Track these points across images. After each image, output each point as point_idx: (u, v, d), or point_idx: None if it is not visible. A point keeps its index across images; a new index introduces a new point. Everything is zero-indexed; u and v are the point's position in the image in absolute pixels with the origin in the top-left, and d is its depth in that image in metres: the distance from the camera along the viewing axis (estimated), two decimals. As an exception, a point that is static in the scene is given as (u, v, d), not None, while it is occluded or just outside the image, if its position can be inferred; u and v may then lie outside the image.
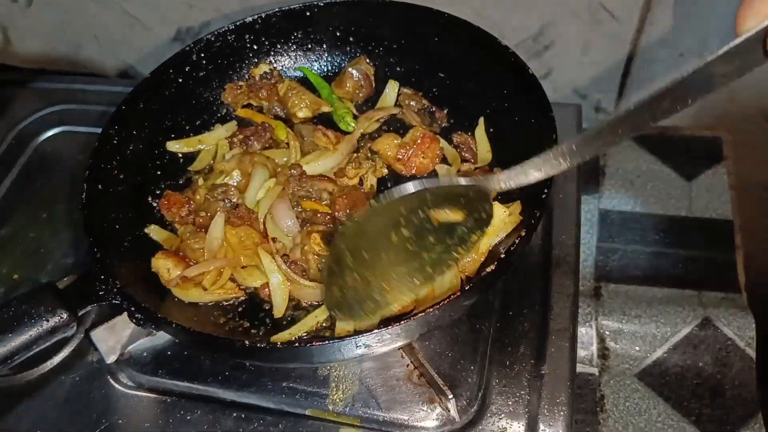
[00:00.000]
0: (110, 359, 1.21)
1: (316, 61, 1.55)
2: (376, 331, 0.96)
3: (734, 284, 1.44)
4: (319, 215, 1.26)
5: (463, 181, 1.00)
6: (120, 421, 1.17)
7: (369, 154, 1.38)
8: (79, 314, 1.08)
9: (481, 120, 1.37)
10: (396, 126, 1.43)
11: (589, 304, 1.42)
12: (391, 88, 1.48)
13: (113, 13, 1.83)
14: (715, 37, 1.50)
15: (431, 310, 0.97)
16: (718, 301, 1.41)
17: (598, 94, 1.72)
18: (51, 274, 1.41)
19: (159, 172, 1.39)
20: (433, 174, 1.35)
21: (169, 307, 1.18)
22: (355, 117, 1.46)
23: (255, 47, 1.51)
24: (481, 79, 1.37)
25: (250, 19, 1.46)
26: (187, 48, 1.43)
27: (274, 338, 1.12)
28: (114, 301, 1.09)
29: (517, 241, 1.04)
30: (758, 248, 1.62)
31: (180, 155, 1.43)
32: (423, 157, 1.34)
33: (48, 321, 1.03)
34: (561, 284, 1.28)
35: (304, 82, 1.52)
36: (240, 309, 1.20)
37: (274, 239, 1.23)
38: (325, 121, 1.46)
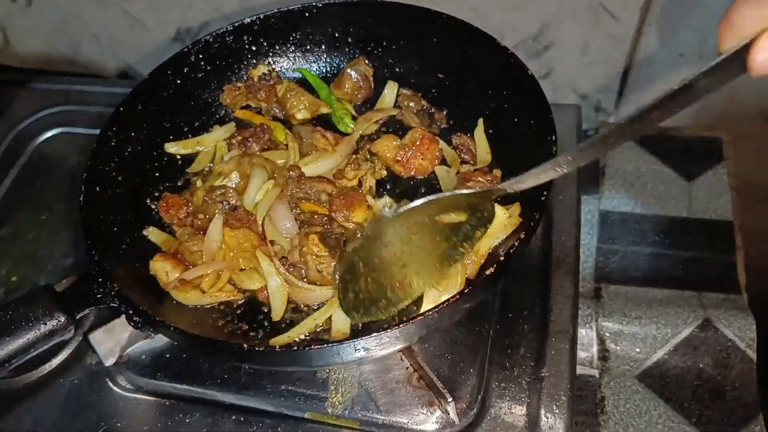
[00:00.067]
0: (109, 362, 1.21)
1: (314, 62, 1.54)
2: (375, 334, 0.96)
3: (735, 285, 1.44)
4: (316, 216, 1.25)
5: (465, 191, 1.10)
6: (119, 424, 1.17)
7: (368, 156, 1.37)
8: (77, 317, 1.07)
9: (481, 121, 1.37)
10: (395, 127, 1.43)
11: (590, 305, 1.41)
12: (390, 89, 1.48)
13: (113, 13, 1.83)
14: (714, 37, 1.50)
15: (430, 313, 0.96)
16: (718, 303, 1.40)
17: (598, 94, 1.72)
18: (50, 276, 1.41)
19: (157, 174, 1.39)
20: (432, 175, 1.35)
21: (168, 310, 1.17)
22: (354, 118, 1.46)
23: (253, 48, 1.50)
24: (481, 80, 1.37)
25: (249, 20, 1.45)
26: (186, 49, 1.42)
27: (273, 341, 1.12)
28: (112, 304, 1.09)
29: (516, 243, 1.03)
30: (759, 249, 1.62)
31: (178, 157, 1.42)
32: (422, 158, 1.33)
33: (45, 324, 1.03)
34: (561, 286, 1.28)
35: (303, 83, 1.52)
36: (239, 311, 1.20)
37: (272, 242, 1.22)
38: (324, 122, 1.46)
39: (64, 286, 1.11)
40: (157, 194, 1.36)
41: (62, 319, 1.04)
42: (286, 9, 1.46)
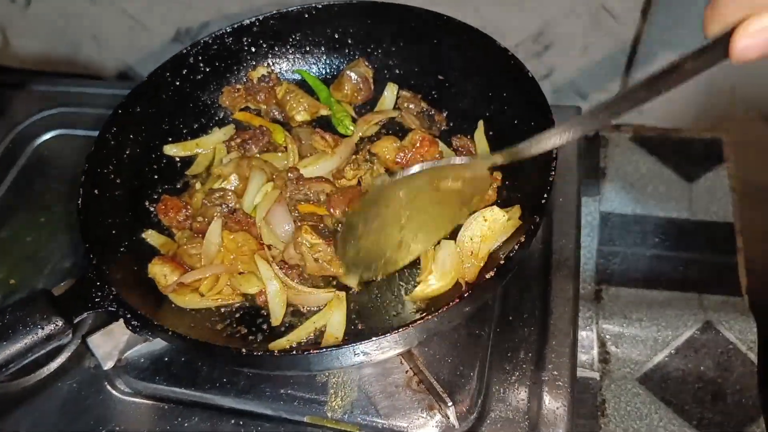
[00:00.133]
0: (107, 365, 1.20)
1: (314, 63, 1.54)
2: (374, 338, 0.95)
3: (735, 287, 1.43)
4: (314, 216, 1.25)
5: (458, 160, 1.12)
6: (117, 428, 1.17)
7: (368, 156, 1.37)
8: (75, 321, 1.07)
9: (481, 123, 1.36)
10: (395, 129, 1.42)
11: (590, 307, 1.41)
12: (390, 91, 1.47)
13: (112, 13, 1.83)
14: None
15: (430, 317, 0.96)
16: (719, 305, 1.40)
17: (598, 94, 1.72)
18: (49, 278, 1.40)
19: (156, 176, 1.38)
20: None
21: (166, 314, 1.17)
22: (353, 120, 1.45)
23: (253, 50, 1.50)
24: (481, 81, 1.36)
25: (248, 21, 1.45)
26: (185, 51, 1.42)
27: (272, 345, 1.11)
28: (110, 309, 1.08)
29: (516, 246, 1.03)
30: (759, 250, 1.61)
31: (177, 159, 1.42)
32: (422, 160, 1.32)
33: (43, 329, 1.03)
34: (561, 288, 1.28)
35: (303, 85, 1.51)
36: (237, 315, 1.19)
37: (269, 246, 1.22)
38: (324, 124, 1.45)
39: (62, 290, 1.11)
40: (155, 197, 1.35)
41: (60, 323, 1.04)
42: (285, 10, 1.45)
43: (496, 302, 1.25)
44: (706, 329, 1.36)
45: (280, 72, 1.53)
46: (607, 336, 1.39)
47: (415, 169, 1.08)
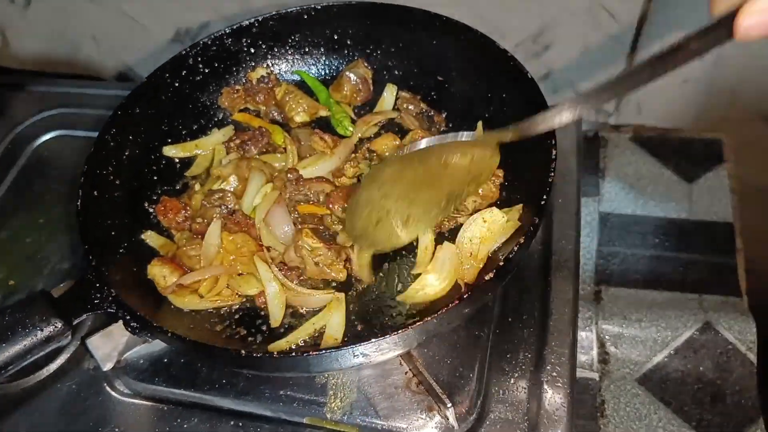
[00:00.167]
0: (107, 367, 1.20)
1: (313, 64, 1.54)
2: (374, 340, 0.95)
3: (735, 288, 1.43)
4: (314, 218, 1.25)
5: (466, 135, 1.11)
6: (116, 430, 1.17)
7: (367, 154, 1.37)
8: (74, 323, 1.07)
9: (480, 124, 1.36)
10: (394, 130, 1.42)
11: (590, 308, 1.41)
12: (389, 92, 1.47)
13: (112, 14, 1.83)
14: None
15: (429, 318, 0.96)
16: (718, 305, 1.40)
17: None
18: (48, 279, 1.40)
19: (155, 178, 1.38)
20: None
21: (165, 315, 1.17)
22: (353, 121, 1.45)
23: (252, 51, 1.50)
24: (480, 82, 1.36)
25: (247, 22, 1.45)
26: (184, 52, 1.42)
27: (271, 347, 1.12)
28: (109, 310, 1.08)
29: (515, 247, 1.03)
30: (759, 251, 1.61)
31: (177, 160, 1.42)
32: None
33: (42, 330, 1.03)
34: (561, 289, 1.28)
35: (302, 85, 1.51)
36: (237, 316, 1.19)
37: (269, 248, 1.22)
38: (323, 125, 1.45)
39: (62, 291, 1.11)
40: (155, 198, 1.35)
41: (59, 325, 1.04)
42: (284, 11, 1.45)
43: (495, 303, 1.25)
44: (706, 330, 1.36)
45: (279, 73, 1.53)
46: (607, 336, 1.39)
47: (424, 143, 1.11)
